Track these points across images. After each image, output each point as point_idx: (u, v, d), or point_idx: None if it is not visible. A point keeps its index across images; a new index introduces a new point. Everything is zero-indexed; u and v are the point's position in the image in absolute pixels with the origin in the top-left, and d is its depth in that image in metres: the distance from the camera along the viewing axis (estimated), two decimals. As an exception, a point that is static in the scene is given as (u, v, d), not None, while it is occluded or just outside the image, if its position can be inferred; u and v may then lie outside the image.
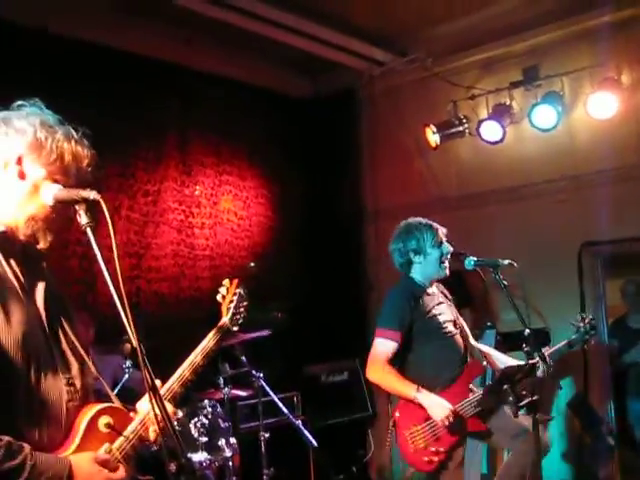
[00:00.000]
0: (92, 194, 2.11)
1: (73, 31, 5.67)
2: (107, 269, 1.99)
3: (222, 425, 5.14)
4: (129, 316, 1.97)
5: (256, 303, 6.89)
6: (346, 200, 7.76)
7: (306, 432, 5.27)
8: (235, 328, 2.82)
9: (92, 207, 2.16)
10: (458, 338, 4.33)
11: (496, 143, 6.45)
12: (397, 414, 4.17)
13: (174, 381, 2.50)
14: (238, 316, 2.83)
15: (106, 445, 2.14)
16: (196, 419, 4.99)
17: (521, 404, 3.82)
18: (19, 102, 2.29)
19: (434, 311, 4.27)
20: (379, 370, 4.19)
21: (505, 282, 4.15)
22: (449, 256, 4.30)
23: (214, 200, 6.91)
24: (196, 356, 2.61)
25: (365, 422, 7.09)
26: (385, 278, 7.30)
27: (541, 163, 6.50)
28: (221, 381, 5.32)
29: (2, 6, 5.15)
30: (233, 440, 5.14)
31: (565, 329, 4.80)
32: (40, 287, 2.20)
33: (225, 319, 2.81)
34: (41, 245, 2.18)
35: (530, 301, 4.46)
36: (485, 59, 6.79)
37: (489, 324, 6.08)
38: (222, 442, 5.04)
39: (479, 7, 6.43)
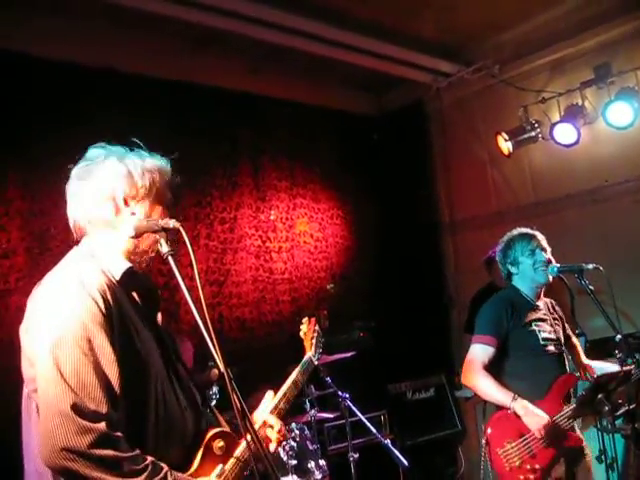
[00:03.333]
0: (172, 222, 2.17)
1: (140, 68, 5.86)
2: (190, 296, 2.02)
3: (311, 447, 5.13)
4: (215, 342, 1.99)
5: (338, 324, 6.96)
6: (421, 214, 7.72)
7: (396, 451, 5.21)
8: (316, 362, 3.08)
9: (172, 236, 2.21)
10: (558, 358, 4.18)
11: (571, 146, 6.30)
12: (489, 431, 4.03)
13: (280, 398, 2.69)
14: (320, 350, 3.10)
15: (220, 466, 2.26)
16: (284, 442, 4.99)
17: (617, 413, 3.67)
18: (93, 147, 2.41)
19: (533, 326, 4.15)
20: (475, 375, 4.06)
21: (591, 287, 4.02)
22: (547, 263, 4.19)
23: (289, 224, 6.98)
24: (288, 388, 2.77)
25: (454, 438, 6.97)
26: (465, 291, 7.21)
27: (620, 162, 6.31)
28: (307, 404, 5.32)
29: (73, 50, 5.37)
30: (322, 462, 5.12)
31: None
32: (159, 317, 2.37)
33: (310, 354, 3.07)
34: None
35: (619, 305, 4.30)
36: (553, 61, 6.66)
37: (577, 331, 5.90)
38: (312, 464, 5.03)
39: (542, 9, 6.34)
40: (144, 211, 2.28)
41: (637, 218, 6.13)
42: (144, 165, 2.38)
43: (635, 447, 4.71)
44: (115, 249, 2.26)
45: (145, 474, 1.97)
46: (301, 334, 3.14)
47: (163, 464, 2.05)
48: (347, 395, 5.28)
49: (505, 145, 6.63)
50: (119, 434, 1.96)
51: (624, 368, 3.90)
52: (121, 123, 5.65)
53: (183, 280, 2.04)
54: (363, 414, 5.31)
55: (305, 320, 3.16)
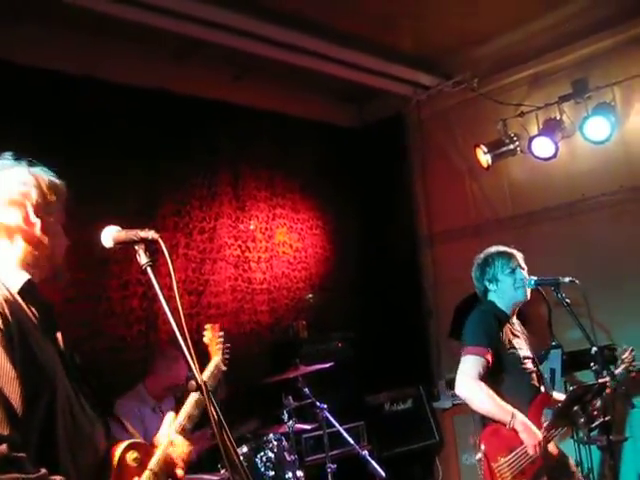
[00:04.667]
0: (150, 233, 2.18)
1: (120, 76, 5.83)
2: (168, 307, 2.02)
3: (288, 458, 5.11)
4: (192, 353, 1.99)
5: (317, 335, 6.96)
6: (401, 226, 7.74)
7: (373, 462, 5.21)
8: (224, 368, 3.04)
9: (150, 247, 2.21)
10: (535, 375, 4.21)
11: (549, 159, 6.36)
12: (483, 446, 3.97)
13: (183, 417, 2.56)
14: (226, 355, 3.10)
15: (135, 479, 2.22)
16: (262, 453, 4.97)
17: (593, 425, 3.69)
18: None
19: (514, 343, 4.18)
20: (471, 386, 4.00)
21: (568, 300, 4.06)
22: (524, 281, 4.21)
23: (269, 234, 6.97)
24: (198, 395, 2.62)
25: (432, 450, 6.98)
26: (444, 302, 7.26)
27: (597, 176, 6.38)
28: (285, 414, 5.30)
29: (50, 57, 5.35)
30: (300, 473, 5.10)
31: (632, 344, 4.68)
32: (59, 336, 2.29)
33: (217, 358, 3.05)
34: (61, 282, 2.37)
35: (595, 318, 4.34)
36: (532, 75, 6.74)
37: (554, 344, 5.95)
38: (289, 475, 5.01)
39: (521, 23, 6.39)
40: (51, 227, 2.26)
41: (613, 232, 6.19)
42: (50, 180, 2.33)
43: (610, 458, 4.75)
44: (13, 259, 2.18)
45: None
46: (205, 340, 3.11)
47: (58, 477, 1.98)
48: (325, 406, 5.29)
49: (484, 158, 6.68)
50: (22, 455, 1.88)
51: (599, 380, 3.94)
52: (100, 131, 5.66)
53: (161, 290, 2.04)
54: (341, 425, 5.32)
55: (208, 326, 3.16)
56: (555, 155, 6.32)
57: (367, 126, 8.04)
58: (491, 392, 3.98)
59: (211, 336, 3.13)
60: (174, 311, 2.02)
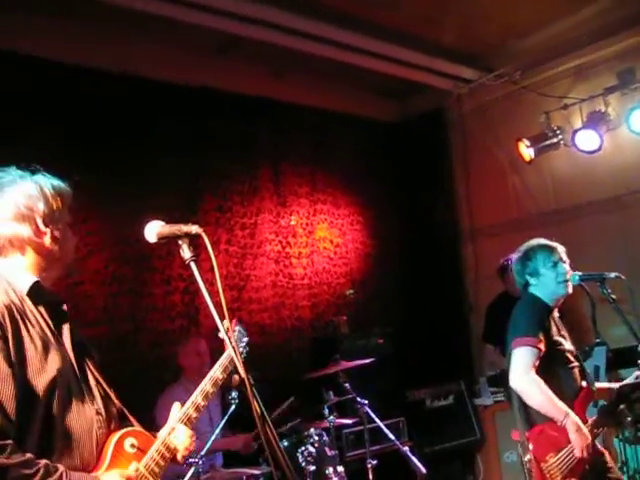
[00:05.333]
0: (194, 228, 2.19)
1: (162, 74, 5.91)
2: (212, 301, 2.03)
3: (329, 453, 5.11)
4: (236, 348, 2.00)
5: (357, 330, 6.95)
6: (442, 221, 7.70)
7: (414, 458, 5.19)
8: (236, 358, 2.92)
9: (193, 242, 2.22)
10: (578, 370, 4.14)
11: (593, 152, 6.25)
12: (531, 446, 3.89)
13: (189, 406, 2.65)
14: (240, 349, 2.99)
15: (134, 463, 2.35)
16: (303, 448, 4.99)
17: (640, 424, 3.63)
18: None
19: (558, 337, 4.12)
20: (526, 378, 3.90)
21: (613, 296, 3.99)
22: (566, 275, 4.14)
23: (310, 229, 6.99)
24: (205, 384, 2.75)
25: (473, 447, 6.92)
26: (485, 297, 7.18)
27: (643, 169, 6.26)
28: (326, 410, 5.31)
29: (91, 56, 5.43)
30: (340, 468, 5.10)
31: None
32: (66, 331, 2.43)
33: (229, 350, 2.85)
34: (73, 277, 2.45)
35: (641, 314, 4.26)
36: (576, 67, 6.63)
37: (598, 340, 5.85)
38: (330, 470, 5.01)
39: (564, 15, 6.30)
40: (60, 233, 2.38)
41: (659, 226, 6.08)
42: (54, 186, 2.45)
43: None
44: (23, 265, 2.34)
45: (37, 477, 2.05)
46: (220, 335, 3.02)
47: (59, 466, 2.13)
48: (366, 401, 5.28)
49: (526, 152, 6.60)
50: (8, 442, 2.03)
51: (647, 377, 3.86)
52: (144, 128, 5.74)
53: (205, 285, 2.05)
54: (381, 420, 5.30)
55: (226, 322, 3.04)
56: (600, 148, 6.21)
57: (408, 121, 8.00)
58: (545, 387, 3.88)
59: (226, 330, 3.06)
60: (217, 305, 2.03)
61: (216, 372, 2.77)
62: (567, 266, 4.16)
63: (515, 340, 4.04)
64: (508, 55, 6.92)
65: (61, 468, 2.13)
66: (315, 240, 7.02)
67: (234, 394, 4.63)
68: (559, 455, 3.83)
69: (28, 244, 2.33)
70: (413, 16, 6.05)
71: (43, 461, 2.10)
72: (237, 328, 3.04)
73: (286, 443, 4.93)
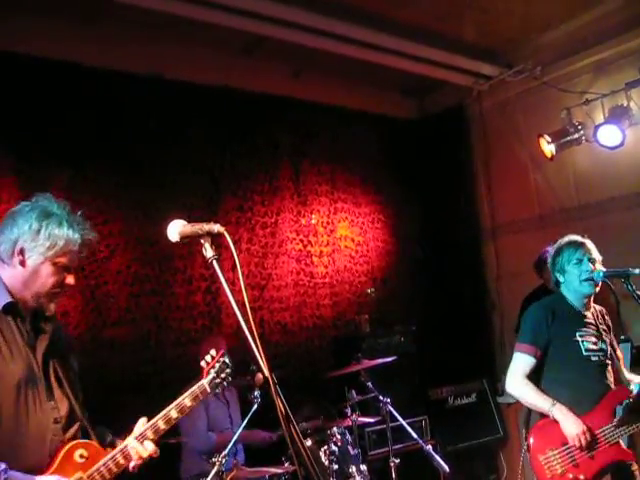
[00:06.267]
0: (216, 227, 2.22)
1: (185, 74, 5.94)
2: (235, 300, 2.03)
3: (352, 452, 5.12)
4: (259, 347, 2.00)
5: (379, 329, 6.94)
6: (463, 218, 7.66)
7: (437, 457, 5.17)
8: (209, 390, 2.97)
9: (214, 241, 2.23)
10: (600, 369, 4.10)
11: (616, 148, 6.18)
12: (531, 440, 3.99)
13: (148, 428, 2.79)
14: (218, 380, 2.99)
15: (79, 472, 2.58)
16: (326, 447, 4.99)
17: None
18: (25, 203, 2.73)
19: (577, 336, 4.08)
20: (517, 384, 4.09)
21: (638, 292, 3.94)
22: (590, 273, 4.10)
23: (330, 228, 6.99)
24: (170, 410, 2.83)
25: (496, 445, 6.90)
26: (508, 296, 7.15)
27: (667, 164, 6.19)
28: (348, 408, 5.31)
29: (117, 57, 5.48)
30: (363, 467, 5.10)
31: None
32: (43, 343, 2.67)
33: (204, 381, 2.96)
34: (48, 313, 2.71)
35: (667, 311, 4.20)
36: (597, 61, 6.56)
37: (623, 337, 5.78)
38: (353, 469, 5.01)
39: (584, 9, 6.24)
40: (34, 265, 2.63)
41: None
42: (54, 230, 2.64)
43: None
44: (3, 285, 2.64)
45: None
46: (202, 363, 3.01)
47: (2, 463, 2.38)
48: (388, 400, 5.27)
49: (548, 148, 6.54)
50: None
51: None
52: (165, 128, 5.78)
53: (227, 283, 2.06)
54: (404, 419, 5.29)
55: (213, 352, 3.06)
56: (622, 143, 6.13)
57: (428, 118, 7.97)
58: (533, 387, 4.02)
59: (210, 360, 3.03)
60: (240, 304, 2.03)
61: (184, 399, 2.86)
62: (596, 264, 4.11)
63: (516, 344, 4.13)
64: (528, 51, 6.87)
65: (2, 465, 2.37)
66: (336, 239, 7.02)
67: (256, 393, 4.65)
68: (562, 448, 3.85)
69: (14, 267, 2.64)
70: (432, 12, 6.02)
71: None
72: (222, 359, 3.01)
73: (309, 442, 4.93)
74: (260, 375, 2.06)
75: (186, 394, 2.88)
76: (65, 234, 2.64)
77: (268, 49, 6.13)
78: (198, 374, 5.13)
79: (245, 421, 4.51)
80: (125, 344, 5.39)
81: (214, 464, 4.14)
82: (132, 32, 5.50)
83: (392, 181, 7.59)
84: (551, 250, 4.31)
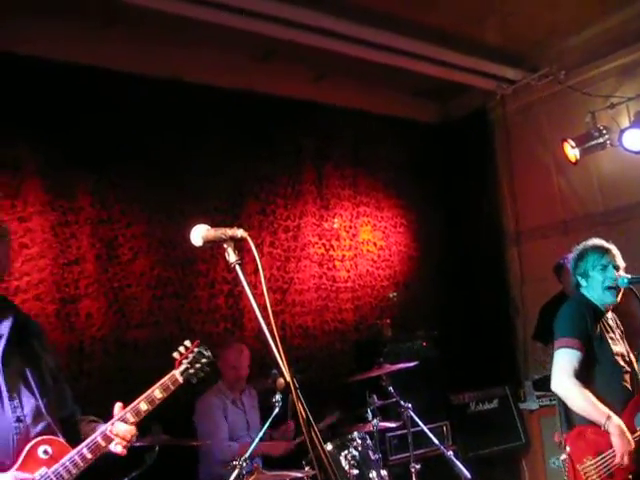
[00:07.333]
0: (239, 232, 2.23)
1: (206, 78, 5.98)
2: (257, 305, 2.04)
3: (372, 457, 5.09)
4: (281, 351, 2.00)
5: (401, 333, 6.92)
6: (486, 223, 7.62)
7: (458, 463, 5.14)
8: (181, 380, 2.95)
9: (237, 244, 2.24)
10: (626, 374, 4.04)
11: (641, 152, 6.13)
12: (568, 448, 3.87)
13: (116, 419, 2.81)
14: (192, 371, 2.97)
15: (43, 468, 2.63)
16: (346, 451, 4.97)
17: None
18: None
19: (607, 338, 4.03)
20: (566, 382, 3.88)
21: (664, 299, 3.90)
22: (614, 281, 4.03)
23: (353, 232, 6.99)
24: (139, 402, 2.83)
25: (518, 452, 6.83)
26: (531, 300, 7.09)
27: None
28: (369, 413, 5.29)
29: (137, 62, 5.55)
30: (384, 472, 5.07)
31: None
32: (2, 337, 2.73)
33: (175, 372, 2.95)
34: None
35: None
36: (622, 65, 6.50)
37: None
38: (373, 474, 4.98)
39: (608, 13, 6.19)
40: None
41: None
42: None
43: None
44: None
45: None
46: (175, 354, 3.00)
47: None
48: (409, 405, 5.25)
49: (572, 152, 6.49)
50: None
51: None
52: (188, 132, 5.82)
53: (250, 288, 2.07)
54: (425, 424, 5.27)
55: (187, 342, 3.04)
56: (648, 148, 6.08)
57: (450, 122, 7.95)
58: (586, 390, 3.84)
59: (184, 351, 3.02)
60: (262, 308, 2.03)
61: (154, 391, 2.85)
62: (620, 272, 4.06)
63: (557, 340, 3.99)
64: (553, 54, 6.83)
65: None
66: (358, 243, 7.01)
67: (278, 397, 4.65)
68: (598, 458, 3.77)
69: None
70: (455, 16, 6.00)
71: None
72: (196, 350, 3.00)
73: (330, 447, 4.92)
74: (281, 380, 2.06)
75: (156, 385, 2.88)
76: None
77: (290, 53, 6.13)
78: (219, 377, 5.20)
79: (266, 425, 4.52)
80: (148, 346, 5.42)
81: (234, 467, 4.15)
82: (152, 36, 5.53)
83: (415, 185, 7.57)
84: (574, 252, 4.25)
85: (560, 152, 6.63)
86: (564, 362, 3.92)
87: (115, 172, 5.47)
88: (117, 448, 2.76)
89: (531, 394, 6.77)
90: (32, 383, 2.72)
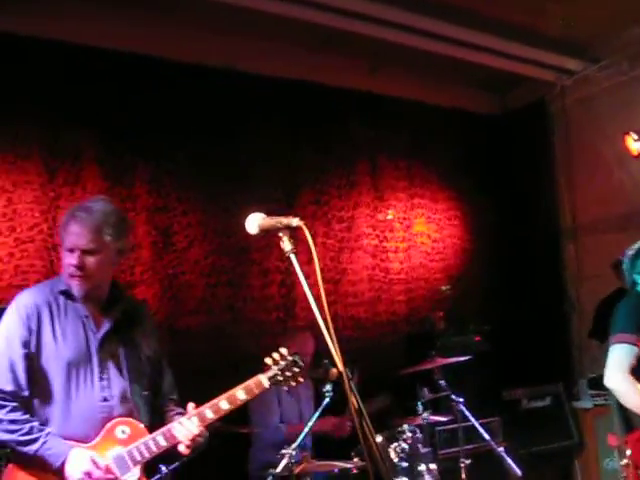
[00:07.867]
0: (295, 221, 2.22)
1: (261, 68, 5.99)
2: (312, 294, 2.04)
3: (422, 450, 5.07)
4: (334, 340, 2.00)
5: (453, 327, 6.87)
6: (543, 216, 7.50)
7: (509, 459, 5.08)
8: (267, 385, 2.95)
9: (292, 234, 2.24)
10: None
11: None
12: (629, 452, 3.76)
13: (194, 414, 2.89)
14: (280, 378, 2.97)
15: (118, 447, 2.78)
16: (396, 444, 4.96)
17: None
18: None
19: None
20: (619, 377, 3.76)
21: None
22: None
23: (407, 224, 6.95)
24: (220, 401, 2.87)
25: (570, 451, 6.72)
26: (588, 296, 6.95)
27: None
28: (420, 406, 5.27)
29: (198, 52, 5.58)
30: (433, 466, 5.05)
31: None
32: (105, 325, 2.89)
33: (261, 376, 2.95)
34: (75, 293, 2.88)
35: None
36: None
37: None
38: (422, 467, 4.97)
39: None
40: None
41: None
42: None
43: None
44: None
45: (19, 433, 2.65)
46: (267, 360, 2.97)
47: (47, 428, 2.69)
48: (461, 399, 5.20)
49: (635, 145, 6.35)
50: (10, 403, 2.67)
51: None
52: (241, 121, 5.85)
53: (305, 278, 2.07)
54: (476, 419, 5.21)
55: (283, 349, 3.02)
56: None
57: (508, 114, 7.83)
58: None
59: (278, 358, 2.99)
60: (316, 298, 2.03)
61: (237, 392, 2.88)
62: None
63: (613, 336, 3.88)
64: (615, 45, 6.66)
65: (46, 430, 2.69)
66: (412, 235, 6.97)
67: (328, 387, 4.66)
68: None
69: None
70: (516, 6, 5.91)
71: (30, 424, 2.67)
72: (290, 358, 2.99)
73: (380, 439, 4.91)
74: (334, 370, 2.05)
75: (240, 386, 2.89)
76: (63, 220, 2.89)
77: (346, 43, 6.10)
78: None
79: (316, 415, 4.53)
80: (200, 333, 5.49)
81: (283, 456, 4.17)
82: (205, 24, 5.55)
83: (470, 178, 7.48)
84: (631, 250, 4.13)
85: (621, 145, 6.48)
86: (619, 357, 3.80)
87: (172, 161, 5.54)
88: (180, 447, 2.85)
89: (585, 392, 6.64)
90: (124, 368, 2.88)
